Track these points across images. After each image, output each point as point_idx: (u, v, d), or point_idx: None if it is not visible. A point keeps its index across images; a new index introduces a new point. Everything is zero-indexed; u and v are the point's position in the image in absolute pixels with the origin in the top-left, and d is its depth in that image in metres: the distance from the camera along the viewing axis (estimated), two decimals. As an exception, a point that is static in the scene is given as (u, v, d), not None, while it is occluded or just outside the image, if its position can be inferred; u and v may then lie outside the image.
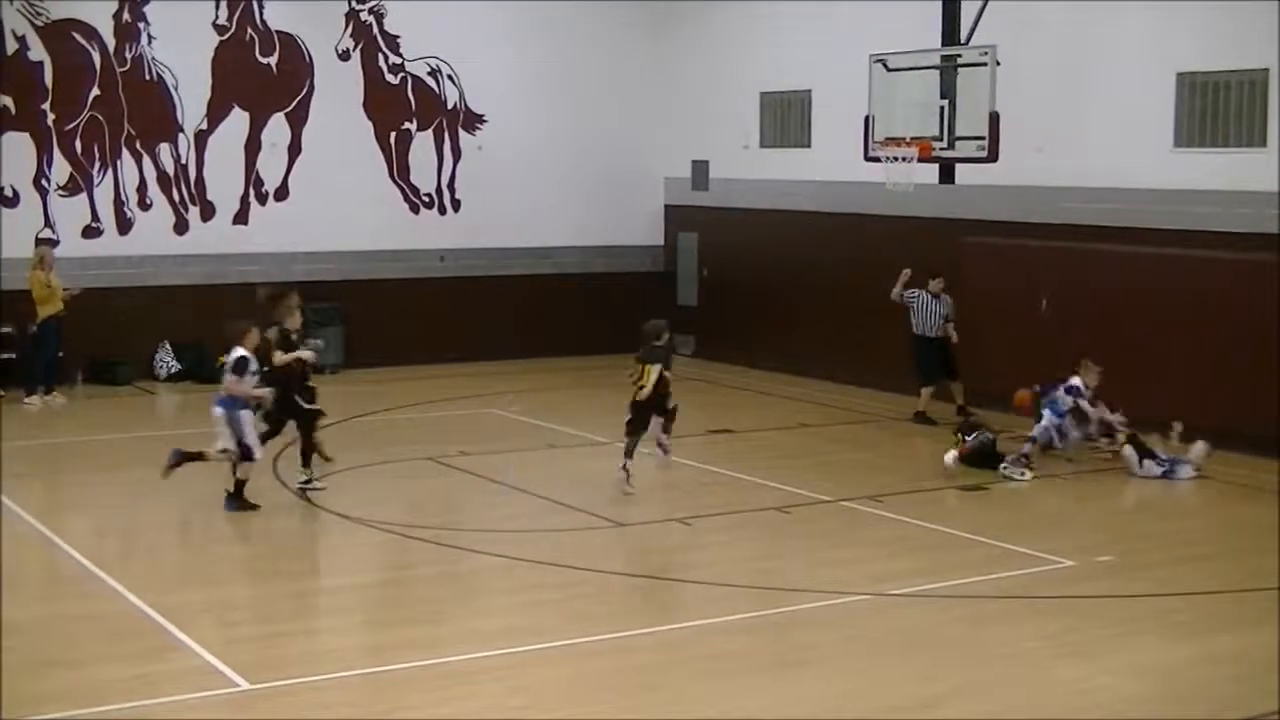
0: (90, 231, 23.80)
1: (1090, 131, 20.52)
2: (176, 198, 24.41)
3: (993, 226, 21.60)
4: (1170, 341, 19.05)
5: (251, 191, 24.95)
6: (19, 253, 22.32)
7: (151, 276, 24.13)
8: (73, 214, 23.65)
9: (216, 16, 24.40)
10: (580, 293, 27.16)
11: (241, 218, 24.90)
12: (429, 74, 26.27)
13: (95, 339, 22.96)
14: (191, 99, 24.35)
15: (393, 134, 26.04)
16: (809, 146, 25.21)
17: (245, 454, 15.38)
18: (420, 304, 25.67)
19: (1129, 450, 17.57)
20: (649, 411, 16.65)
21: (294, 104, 25.13)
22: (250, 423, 15.45)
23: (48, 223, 23.42)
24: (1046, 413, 17.96)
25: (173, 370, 24.03)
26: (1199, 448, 17.46)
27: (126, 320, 23.44)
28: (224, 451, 15.44)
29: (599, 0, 27.25)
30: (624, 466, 16.34)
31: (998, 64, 18.68)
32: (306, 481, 16.12)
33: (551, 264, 27.30)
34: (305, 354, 16.21)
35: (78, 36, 23.52)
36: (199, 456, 15.55)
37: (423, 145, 26.30)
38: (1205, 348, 18.67)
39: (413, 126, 26.19)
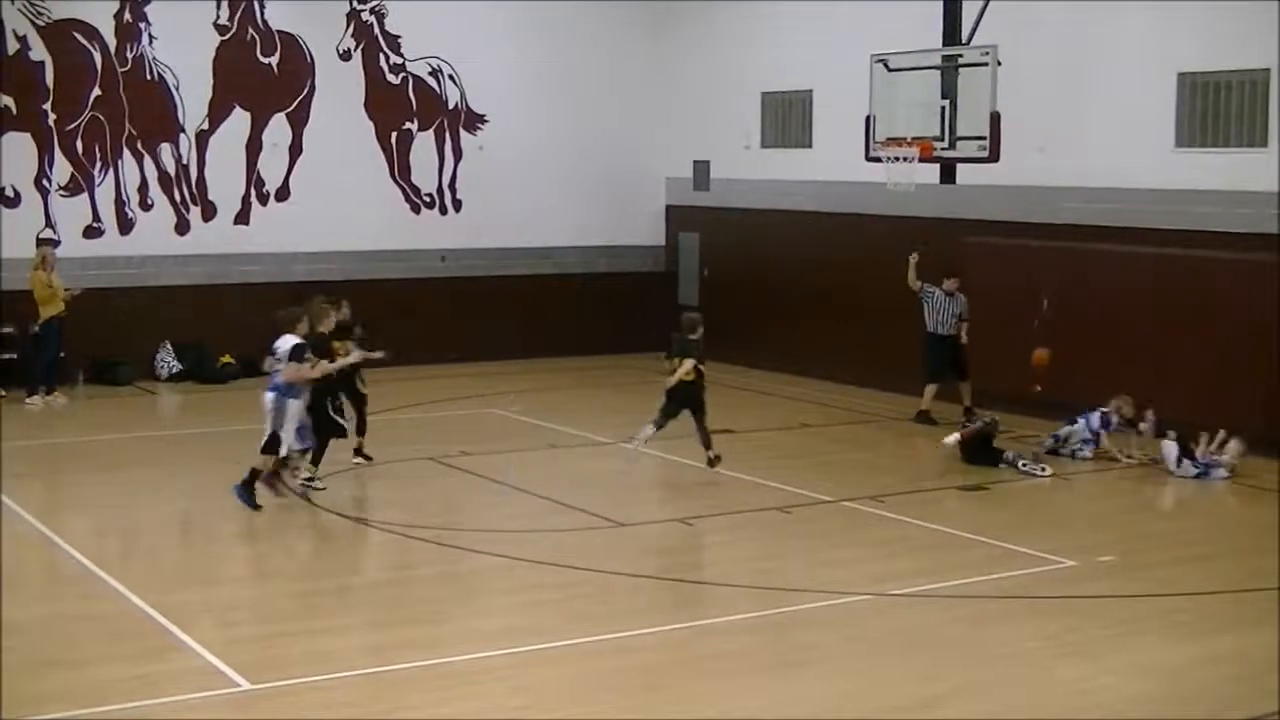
0: (91, 231, 23.80)
1: (1091, 131, 20.52)
2: (178, 198, 24.41)
3: (994, 226, 21.60)
4: (1171, 341, 19.04)
5: (253, 191, 24.95)
6: (20, 253, 22.32)
7: (152, 277, 24.14)
8: (74, 214, 23.65)
9: (217, 16, 24.41)
10: (581, 293, 27.17)
11: (243, 218, 24.91)
12: (430, 74, 26.27)
13: (96, 339, 22.96)
14: (193, 99, 24.36)
15: (394, 134, 26.04)
16: (810, 146, 25.21)
17: (272, 444, 15.30)
18: (421, 304, 25.66)
19: (1170, 447, 17.56)
20: (680, 404, 16.88)
21: (295, 104, 25.14)
22: (295, 415, 15.38)
23: (49, 223, 23.42)
24: (1080, 423, 18.36)
25: (174, 370, 24.03)
26: (1233, 447, 17.43)
27: (127, 320, 23.44)
28: (295, 450, 15.53)
29: (600, 0, 27.25)
30: (642, 437, 16.74)
31: (999, 64, 18.68)
32: (309, 479, 16.10)
33: (553, 264, 27.30)
34: (330, 367, 16.11)
35: (79, 36, 23.53)
36: (280, 465, 15.56)
37: (424, 145, 26.31)
38: (1206, 348, 18.65)
39: (414, 126, 26.20)
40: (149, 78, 24.06)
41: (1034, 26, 20.72)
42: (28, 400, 21.48)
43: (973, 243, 21.38)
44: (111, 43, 23.73)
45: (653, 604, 12.62)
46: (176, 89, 24.26)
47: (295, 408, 15.35)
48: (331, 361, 16.19)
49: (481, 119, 26.65)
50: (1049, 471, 17.66)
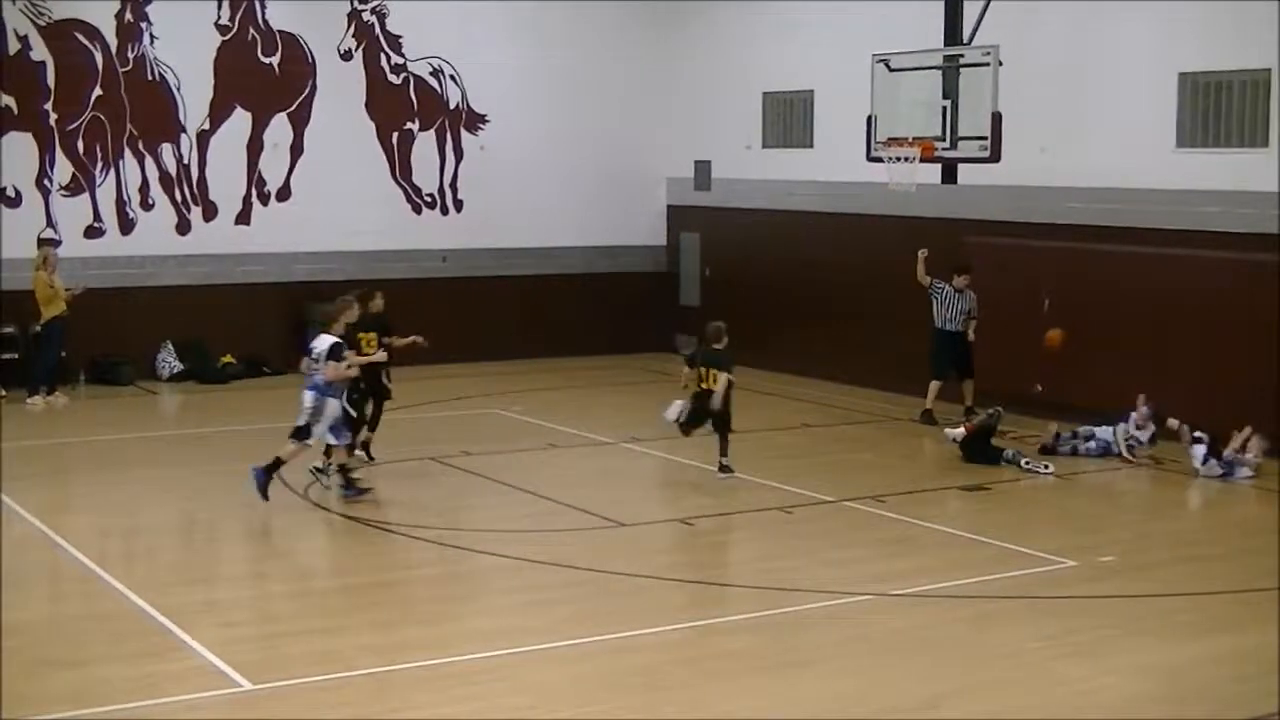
0: (92, 231, 23.81)
1: (1092, 132, 20.51)
2: (179, 198, 24.42)
3: (995, 227, 21.59)
4: (1173, 341, 19.05)
5: (254, 192, 24.96)
6: (21, 253, 22.33)
7: (153, 277, 24.15)
8: (75, 214, 23.66)
9: (219, 16, 24.41)
10: (582, 293, 27.17)
11: (244, 218, 24.91)
12: (431, 74, 26.27)
13: (97, 339, 22.97)
14: (194, 99, 24.36)
15: (395, 134, 26.04)
16: (811, 147, 25.21)
17: (302, 434, 15.50)
18: (422, 304, 25.59)
19: (1197, 448, 17.55)
20: (708, 415, 16.99)
21: (296, 104, 25.14)
22: (333, 415, 15.55)
23: (50, 223, 23.43)
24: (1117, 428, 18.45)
25: (175, 370, 24.04)
26: (1255, 444, 17.41)
27: (128, 320, 23.44)
28: (338, 446, 15.73)
29: (602, 1, 27.25)
30: (721, 465, 16.96)
31: (1000, 64, 18.66)
32: (320, 470, 16.07)
33: (554, 264, 27.30)
34: (360, 360, 16.22)
35: (80, 36, 23.54)
36: (346, 473, 15.80)
37: (425, 145, 26.31)
38: (1207, 348, 18.66)
39: (415, 126, 26.20)
40: (150, 78, 24.07)
41: (1035, 27, 20.72)
42: (29, 400, 21.49)
43: (974, 243, 21.37)
44: (113, 43, 23.74)
45: (654, 604, 12.62)
46: (178, 89, 24.27)
47: (334, 406, 15.55)
48: (359, 354, 16.42)
49: (483, 119, 26.66)
50: (1051, 469, 17.70)
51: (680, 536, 14.89)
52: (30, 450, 18.47)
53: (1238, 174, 18.83)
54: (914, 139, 19.66)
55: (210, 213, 24.65)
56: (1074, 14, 20.67)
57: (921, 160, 19.66)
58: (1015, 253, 21.00)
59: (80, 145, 23.64)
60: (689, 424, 17.26)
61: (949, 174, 20.87)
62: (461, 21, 26.28)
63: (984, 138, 18.82)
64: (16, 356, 22.50)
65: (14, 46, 23.09)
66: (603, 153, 27.40)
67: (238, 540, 15.16)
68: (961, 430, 18.18)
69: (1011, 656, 11.26)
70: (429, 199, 26.40)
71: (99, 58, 23.66)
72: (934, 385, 20.78)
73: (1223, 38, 19.09)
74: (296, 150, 25.19)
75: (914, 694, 10.45)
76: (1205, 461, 17.39)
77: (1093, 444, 18.50)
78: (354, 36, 25.52)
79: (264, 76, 24.84)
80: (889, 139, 20.00)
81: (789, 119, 25.74)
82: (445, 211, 26.55)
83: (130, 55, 23.85)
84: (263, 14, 24.72)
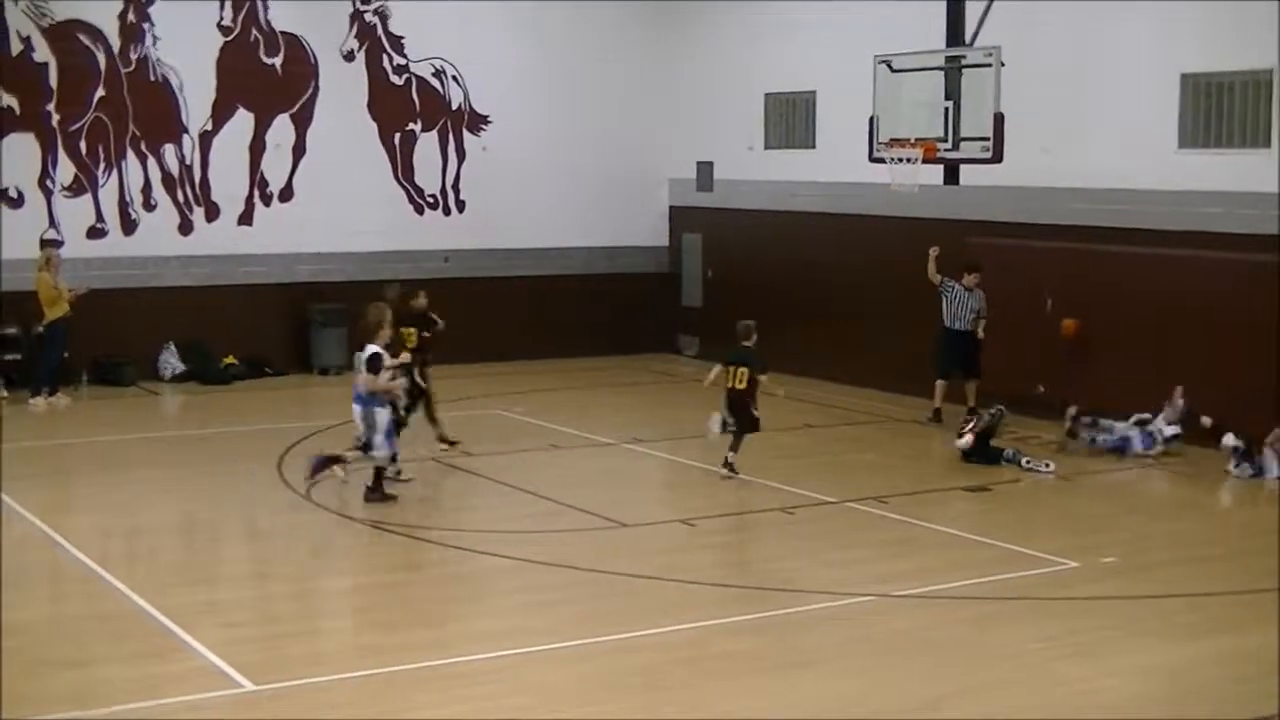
0: (95, 232, 23.82)
1: (1094, 132, 20.51)
2: (181, 198, 24.43)
3: (997, 227, 21.58)
4: (1175, 342, 19.03)
5: (256, 192, 24.97)
6: (24, 254, 22.33)
7: (156, 277, 24.15)
8: (77, 215, 23.67)
9: (221, 17, 24.42)
10: (585, 294, 27.16)
11: (246, 219, 24.93)
12: (433, 75, 26.28)
13: (99, 340, 22.98)
14: (196, 100, 24.37)
15: (397, 135, 26.06)
16: (813, 148, 25.21)
17: (365, 448, 15.68)
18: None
19: (1229, 440, 17.53)
20: (746, 411, 17.10)
21: (298, 105, 25.16)
22: (385, 421, 15.70)
23: (52, 223, 23.45)
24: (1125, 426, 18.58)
25: (177, 371, 24.04)
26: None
27: (131, 321, 23.43)
28: (377, 454, 15.78)
29: (604, 1, 27.26)
30: (726, 461, 17.01)
31: (1002, 65, 18.67)
32: (397, 473, 16.43)
33: (556, 265, 27.30)
34: (395, 384, 16.19)
35: (82, 37, 23.55)
36: (338, 460, 15.87)
37: (427, 146, 26.32)
38: (1209, 349, 18.64)
39: (417, 127, 26.21)
40: (153, 78, 24.08)
41: (1037, 27, 20.71)
42: (31, 401, 21.49)
43: (976, 244, 21.37)
44: (115, 43, 23.75)
45: (655, 605, 12.62)
46: (180, 90, 24.28)
47: (383, 415, 15.66)
48: (401, 348, 16.72)
49: (485, 120, 26.67)
50: (1052, 468, 17.70)
51: (682, 537, 14.88)
52: (32, 451, 18.48)
53: (1239, 175, 18.82)
54: (916, 140, 19.66)
55: (213, 213, 24.67)
56: (1076, 15, 20.67)
57: (924, 161, 19.67)
58: (1017, 254, 20.99)
59: (83, 146, 23.66)
60: (726, 426, 17.38)
61: (951, 175, 20.91)
62: (464, 22, 26.28)
63: (986, 138, 18.83)
64: (19, 357, 22.51)
65: (17, 47, 23.11)
66: (605, 154, 27.41)
67: (239, 541, 15.18)
68: (969, 439, 18.07)
69: (1013, 657, 11.26)
70: (431, 200, 26.41)
71: (101, 58, 23.67)
72: (939, 386, 20.79)
73: (1224, 38, 19.08)
74: (299, 151, 25.20)
75: (916, 695, 10.45)
76: (1238, 465, 17.35)
77: (1111, 438, 18.52)
78: (356, 37, 25.53)
79: (266, 77, 24.85)
80: (891, 140, 20.00)
81: (791, 120, 25.74)
82: (447, 212, 26.56)
83: (133, 56, 23.87)
84: (265, 15, 24.73)
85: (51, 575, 13.70)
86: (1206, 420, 18.05)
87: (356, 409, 15.69)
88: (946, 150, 19.50)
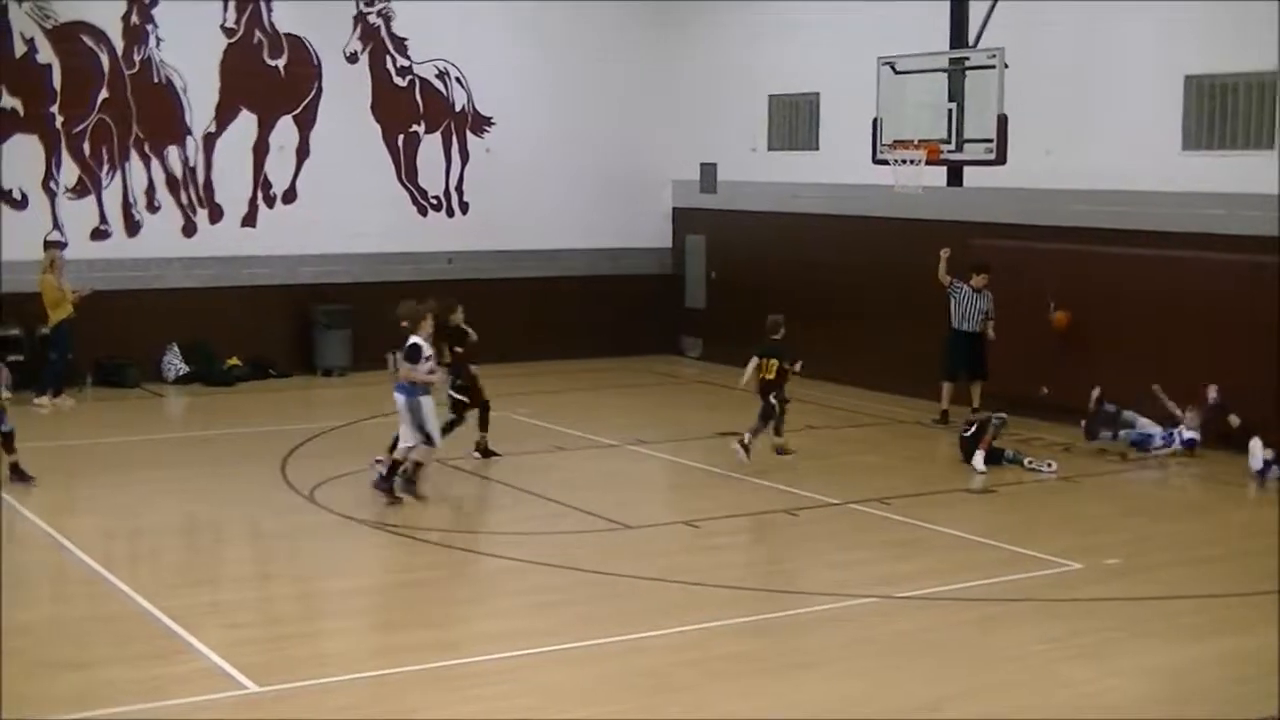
0: (98, 234, 23.83)
1: (1098, 134, 20.51)
2: (185, 200, 24.44)
3: (1001, 229, 21.58)
4: (1178, 344, 19.03)
5: (259, 194, 24.98)
6: (27, 255, 22.34)
7: (159, 279, 24.16)
8: (81, 216, 23.67)
9: (225, 19, 24.43)
10: (588, 295, 27.16)
11: (250, 220, 24.94)
12: (437, 76, 26.29)
13: (103, 341, 22.98)
14: (200, 101, 24.38)
15: (401, 136, 26.06)
16: (817, 149, 25.21)
17: (427, 440, 15.71)
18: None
19: (1256, 445, 17.47)
20: (765, 399, 17.66)
21: (302, 106, 25.17)
22: (431, 409, 15.77)
23: (56, 225, 23.46)
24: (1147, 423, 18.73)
25: (181, 373, 24.04)
26: None
27: (134, 323, 23.43)
28: (410, 448, 15.79)
29: (607, 2, 27.27)
30: (743, 441, 17.49)
31: (1006, 66, 18.68)
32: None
33: (559, 266, 27.30)
34: (432, 376, 16.17)
35: (86, 39, 23.56)
36: (394, 468, 15.92)
37: (431, 148, 26.33)
38: (1212, 350, 18.64)
39: (421, 129, 26.22)
40: (156, 80, 24.09)
41: (1041, 29, 20.72)
42: (36, 402, 21.49)
43: (979, 245, 21.37)
44: (119, 45, 23.76)
45: (659, 606, 12.62)
46: (184, 91, 24.29)
47: (428, 404, 15.74)
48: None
49: (488, 121, 26.68)
50: (1054, 467, 17.72)
51: (686, 539, 14.88)
52: (36, 452, 18.45)
53: (1243, 176, 18.82)
54: (919, 141, 19.68)
55: (216, 215, 24.68)
56: (1080, 16, 20.67)
57: (927, 163, 19.70)
58: (1021, 255, 20.99)
59: (86, 148, 23.67)
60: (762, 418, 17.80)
61: (954, 176, 20.92)
62: (467, 24, 26.28)
63: (989, 140, 18.85)
64: (22, 358, 22.48)
65: (20, 49, 23.11)
66: (608, 155, 27.41)
67: (243, 542, 15.19)
68: (981, 454, 17.90)
69: (1016, 659, 11.26)
70: (434, 201, 26.41)
71: (105, 60, 23.68)
72: (946, 387, 20.79)
73: (1228, 40, 19.08)
74: (302, 153, 25.21)
75: (919, 696, 10.46)
76: (1266, 469, 17.28)
77: (1133, 432, 18.55)
78: (360, 39, 25.54)
79: (270, 79, 24.86)
80: (894, 141, 20.02)
81: (794, 121, 25.74)
82: (451, 214, 26.56)
83: (136, 58, 23.87)
84: (269, 17, 24.74)
85: (55, 576, 13.71)
86: (1235, 419, 18.02)
87: (400, 400, 15.70)
88: (950, 152, 19.52)
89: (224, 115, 24.60)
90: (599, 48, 27.25)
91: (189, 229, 24.49)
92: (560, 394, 23.53)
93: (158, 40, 23.99)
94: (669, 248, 28.30)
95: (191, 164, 24.44)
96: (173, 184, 24.33)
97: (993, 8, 19.81)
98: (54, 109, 23.42)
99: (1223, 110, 19.27)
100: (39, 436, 19.49)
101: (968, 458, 17.95)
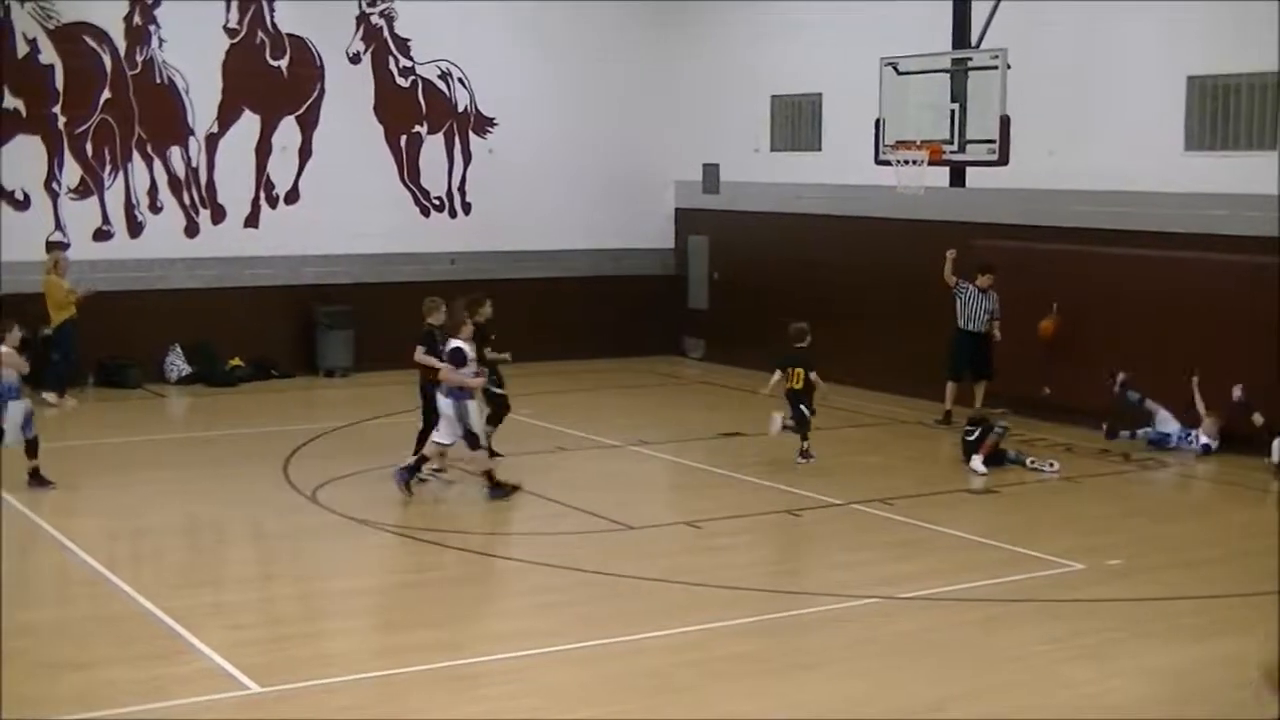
0: (101, 234, 23.84)
1: (1100, 135, 20.50)
2: (187, 201, 24.45)
3: (1003, 230, 21.57)
4: (1181, 344, 19.02)
5: (262, 194, 24.99)
6: (29, 256, 22.36)
7: (162, 279, 24.17)
8: (83, 217, 23.68)
9: (227, 20, 24.44)
10: (590, 296, 27.16)
11: (252, 221, 24.95)
12: (439, 77, 26.30)
13: (106, 342, 22.99)
14: (202, 102, 24.39)
15: (403, 137, 26.07)
16: (819, 150, 25.22)
17: (472, 443, 15.90)
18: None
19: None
20: (803, 409, 17.87)
21: (305, 107, 25.17)
22: (476, 412, 16.01)
23: (58, 225, 23.47)
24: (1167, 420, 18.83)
25: (183, 373, 24.05)
26: None
27: (137, 323, 23.44)
28: (440, 445, 16.02)
29: (609, 3, 27.27)
30: (804, 451, 17.75)
31: (1008, 67, 18.68)
32: (437, 470, 16.68)
33: (562, 267, 27.30)
34: (475, 381, 16.32)
35: (88, 39, 23.57)
36: (421, 461, 16.16)
37: (433, 148, 26.33)
38: (1215, 351, 18.63)
39: (423, 130, 26.23)
40: (159, 81, 24.10)
41: (1043, 30, 20.72)
42: (44, 395, 21.42)
43: (982, 246, 21.36)
44: (121, 46, 23.77)
45: (662, 607, 12.62)
46: (186, 92, 24.30)
47: (472, 406, 15.95)
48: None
49: (491, 122, 26.68)
50: (1056, 467, 17.73)
51: (688, 539, 14.88)
52: (40, 452, 18.48)
53: (1245, 177, 18.81)
54: (922, 142, 19.68)
55: (219, 216, 24.69)
56: (1082, 17, 20.67)
57: (929, 163, 19.70)
58: (1023, 256, 20.98)
59: (89, 148, 23.68)
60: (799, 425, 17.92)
61: (957, 177, 20.93)
62: (470, 25, 26.28)
63: (992, 141, 18.86)
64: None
65: (22, 49, 23.12)
66: (611, 156, 27.41)
67: (245, 542, 15.19)
68: (980, 457, 17.91)
69: (1019, 659, 11.26)
70: (437, 202, 26.42)
71: (107, 61, 23.69)
72: (950, 387, 20.78)
73: (1231, 41, 19.08)
74: (305, 153, 25.22)
75: (921, 696, 10.46)
76: None
77: (1151, 432, 18.57)
78: (362, 40, 25.55)
79: (272, 79, 24.87)
80: (897, 142, 20.02)
81: (797, 122, 25.75)
82: (453, 214, 26.57)
83: (139, 58, 23.89)
84: (271, 17, 24.75)
85: (57, 577, 13.71)
86: (1259, 417, 18.00)
87: (446, 404, 15.85)
88: (952, 152, 19.52)
89: (226, 116, 24.61)
90: (602, 48, 27.26)
91: (191, 229, 24.50)
92: (562, 394, 23.52)
93: (160, 41, 24.00)
94: (671, 248, 28.30)
95: (194, 164, 24.45)
96: (175, 184, 24.34)
97: (995, 8, 19.81)
98: (56, 109, 23.44)
99: (1225, 111, 19.26)
100: (42, 437, 19.49)
101: (969, 460, 17.95)
